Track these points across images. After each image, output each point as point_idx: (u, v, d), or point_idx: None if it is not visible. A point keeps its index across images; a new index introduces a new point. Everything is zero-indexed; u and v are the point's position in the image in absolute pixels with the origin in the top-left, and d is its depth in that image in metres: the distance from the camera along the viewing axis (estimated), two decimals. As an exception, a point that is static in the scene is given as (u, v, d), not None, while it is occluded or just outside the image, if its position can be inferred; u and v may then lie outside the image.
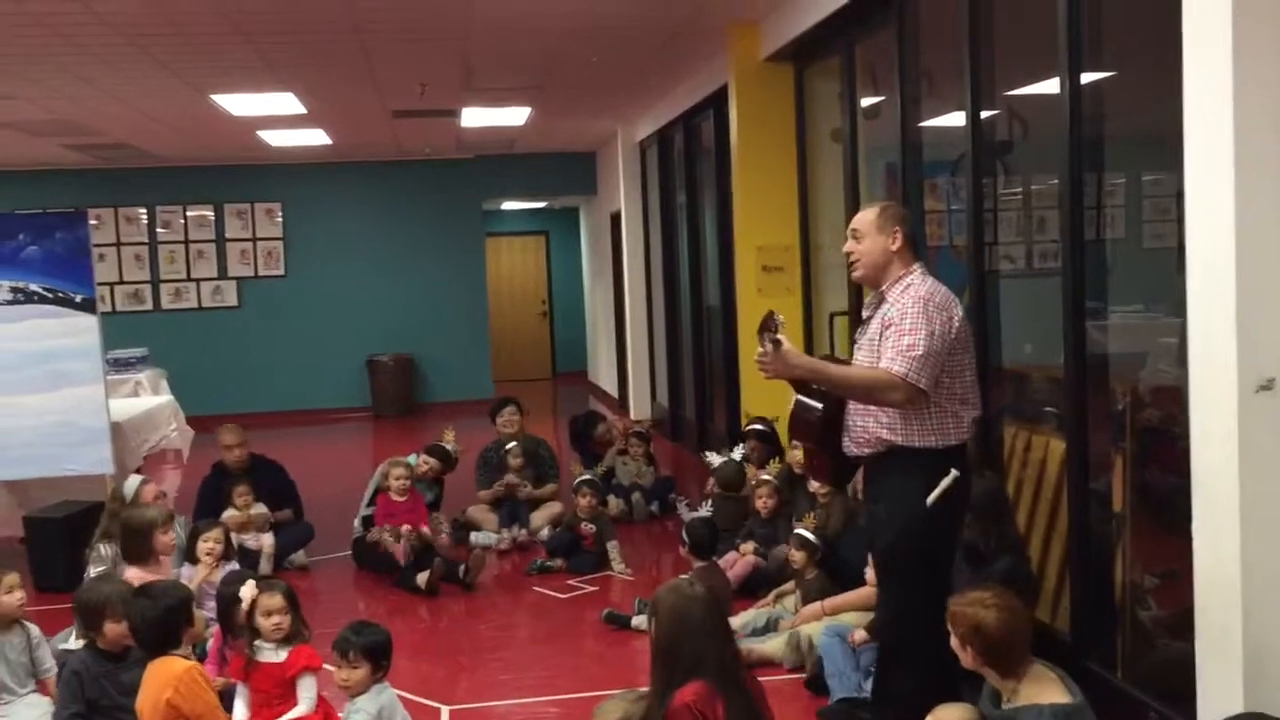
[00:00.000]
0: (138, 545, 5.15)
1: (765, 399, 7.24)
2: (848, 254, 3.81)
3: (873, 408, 3.65)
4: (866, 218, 3.77)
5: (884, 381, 3.54)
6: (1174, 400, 4.22)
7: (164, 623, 3.84)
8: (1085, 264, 4.37)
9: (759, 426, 6.92)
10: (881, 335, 3.64)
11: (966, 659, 3.07)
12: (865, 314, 3.86)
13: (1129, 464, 4.36)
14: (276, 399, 13.61)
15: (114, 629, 4.16)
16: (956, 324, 3.61)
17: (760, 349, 3.53)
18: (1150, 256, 5.04)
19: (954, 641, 3.10)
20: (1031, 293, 5.40)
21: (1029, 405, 5.30)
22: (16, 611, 4.58)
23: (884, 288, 3.72)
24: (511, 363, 16.57)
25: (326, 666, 4.23)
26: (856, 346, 3.84)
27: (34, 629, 4.69)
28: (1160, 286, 4.56)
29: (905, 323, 3.57)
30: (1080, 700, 2.96)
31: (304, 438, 12.25)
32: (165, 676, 3.73)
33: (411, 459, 7.28)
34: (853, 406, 3.74)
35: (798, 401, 3.81)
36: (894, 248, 3.70)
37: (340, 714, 4.00)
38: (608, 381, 14.78)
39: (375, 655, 3.87)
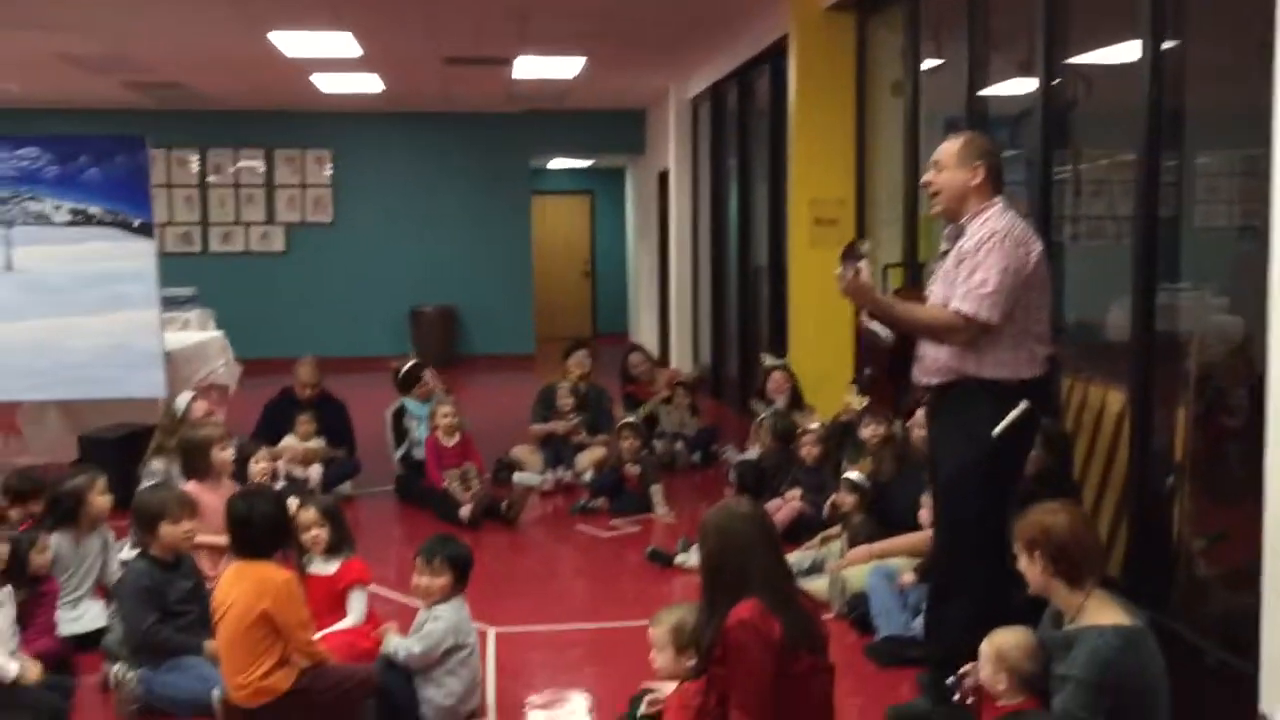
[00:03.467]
0: (197, 461, 5.22)
1: (814, 348, 7.25)
2: (926, 184, 3.78)
3: None
4: (950, 149, 3.73)
5: (947, 323, 3.60)
6: (1233, 373, 4.20)
7: (266, 526, 3.78)
8: (1157, 236, 4.29)
9: (776, 362, 6.98)
10: (956, 267, 3.63)
11: (1034, 573, 3.03)
12: (943, 247, 3.84)
13: (1190, 431, 4.32)
14: (319, 345, 13.48)
15: (170, 531, 4.22)
16: (1034, 259, 3.60)
17: (840, 270, 3.58)
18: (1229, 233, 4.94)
19: (1021, 560, 3.07)
20: (1096, 264, 5.31)
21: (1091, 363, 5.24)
22: (105, 514, 4.69)
23: (963, 221, 3.70)
24: (553, 321, 16.56)
25: (377, 588, 4.27)
26: (932, 279, 3.83)
27: (110, 535, 4.79)
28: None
29: (979, 255, 3.57)
30: (1144, 624, 2.93)
31: (346, 384, 12.27)
32: (263, 585, 3.67)
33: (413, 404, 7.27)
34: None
35: (867, 331, 3.81)
36: (975, 183, 3.67)
37: (416, 620, 3.99)
38: (649, 342, 14.75)
39: (459, 566, 3.89)
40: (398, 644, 3.87)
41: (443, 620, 3.83)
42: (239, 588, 3.71)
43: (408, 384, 7.41)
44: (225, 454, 5.25)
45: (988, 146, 3.77)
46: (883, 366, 3.92)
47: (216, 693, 3.77)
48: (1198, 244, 4.55)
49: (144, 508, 4.32)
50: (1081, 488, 4.80)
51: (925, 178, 3.81)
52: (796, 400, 7.17)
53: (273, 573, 3.75)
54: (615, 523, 6.53)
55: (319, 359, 7.61)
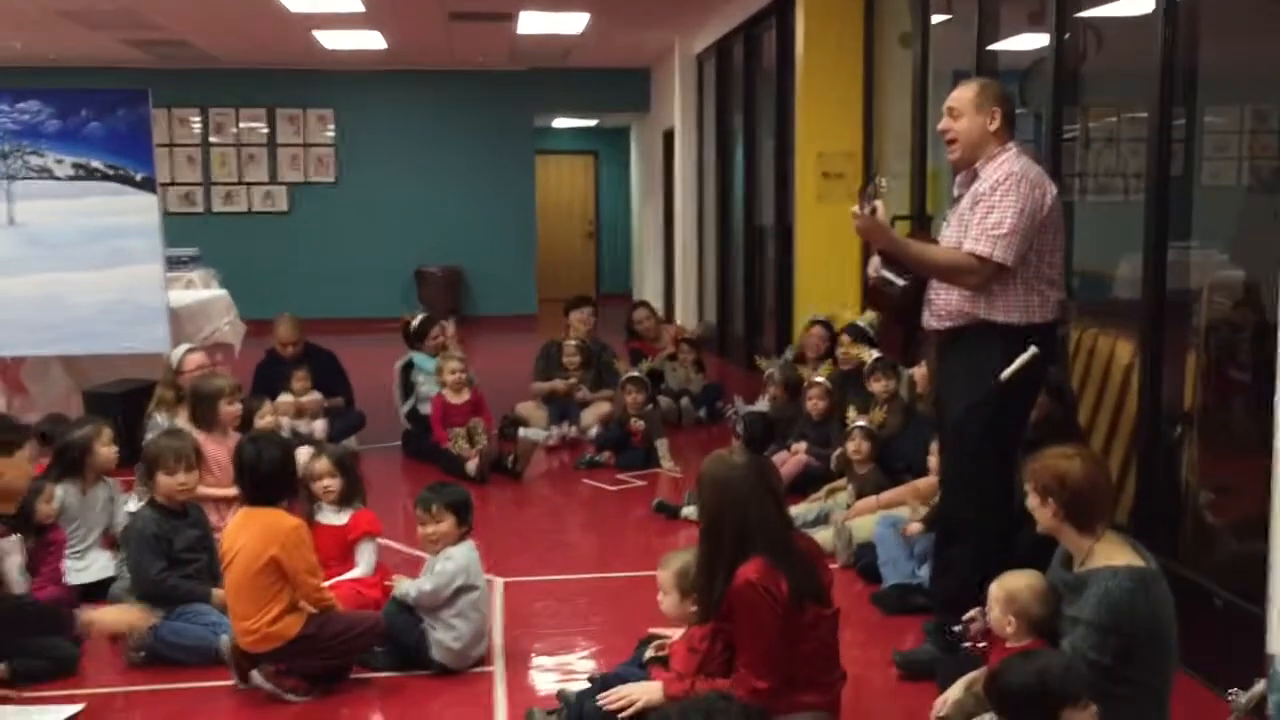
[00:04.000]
0: (204, 412, 5.22)
1: (820, 302, 7.21)
2: (943, 131, 3.75)
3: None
4: (965, 95, 3.69)
5: (961, 265, 3.57)
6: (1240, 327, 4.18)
7: (274, 472, 3.78)
8: (1169, 192, 4.24)
9: (822, 318, 6.93)
10: (971, 209, 3.61)
11: (1045, 516, 3.01)
12: (956, 192, 3.81)
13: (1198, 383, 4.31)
14: (324, 305, 13.61)
15: (165, 481, 4.21)
16: (1049, 202, 3.58)
17: (857, 208, 3.57)
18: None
19: (1031, 500, 3.04)
20: (1105, 220, 5.26)
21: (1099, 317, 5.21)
22: (110, 464, 4.70)
23: (978, 165, 3.68)
24: (556, 282, 16.50)
25: (385, 541, 4.27)
26: (945, 222, 3.81)
27: (116, 486, 4.80)
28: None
29: (995, 196, 3.54)
30: (1155, 566, 2.91)
31: (351, 344, 12.27)
32: (272, 531, 3.67)
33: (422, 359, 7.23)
34: (935, 280, 3.72)
35: (879, 275, 3.78)
36: (992, 128, 3.65)
37: (426, 564, 4.00)
38: (654, 302, 14.66)
39: (458, 509, 3.89)
40: (408, 585, 3.90)
41: (453, 561, 3.85)
42: (247, 533, 3.71)
43: (419, 338, 7.38)
44: (232, 408, 5.24)
45: (1002, 91, 3.74)
46: (892, 313, 3.89)
47: (225, 638, 3.78)
48: (1206, 201, 4.52)
49: (146, 454, 4.33)
50: (1089, 436, 4.79)
51: (941, 125, 3.76)
52: (829, 356, 6.90)
53: (281, 519, 3.75)
54: (621, 476, 6.53)
55: (296, 317, 7.40)
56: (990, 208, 3.53)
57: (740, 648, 3.08)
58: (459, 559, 3.85)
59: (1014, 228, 3.49)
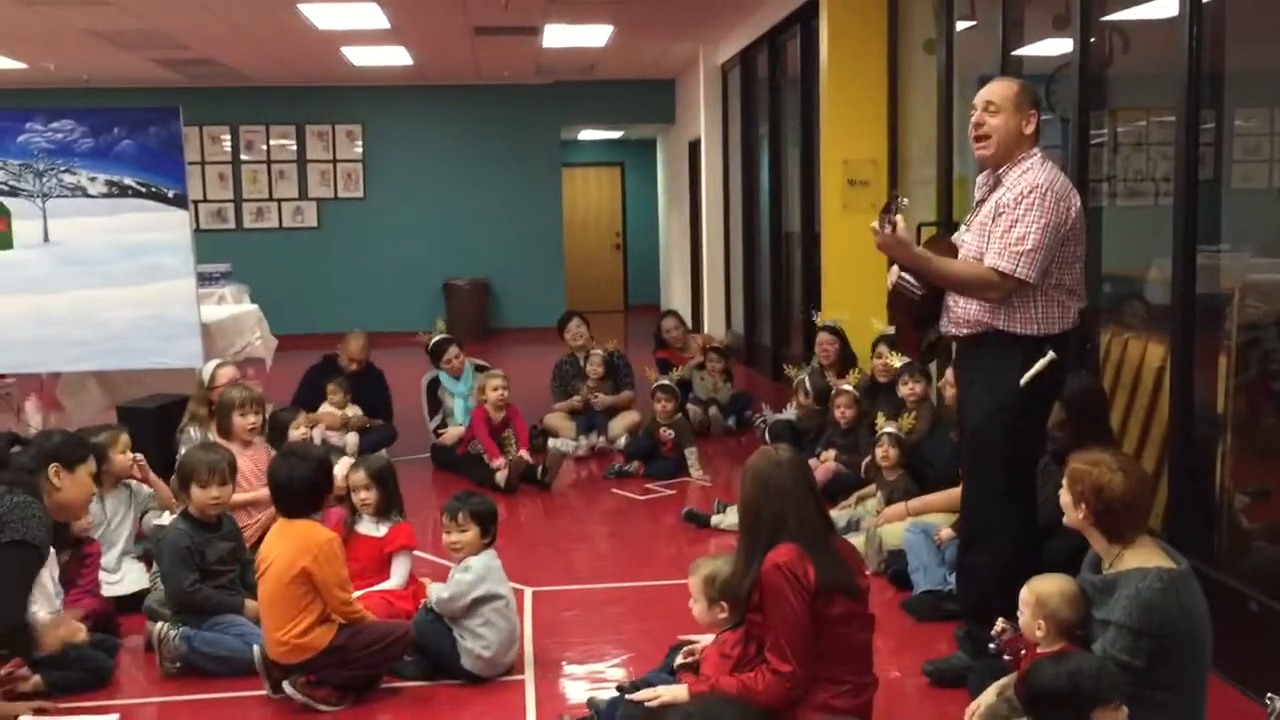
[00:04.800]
0: (223, 421, 5.29)
1: (847, 310, 7.19)
2: (977, 125, 3.65)
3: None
4: (1005, 92, 3.61)
5: (983, 280, 3.55)
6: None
7: (307, 484, 3.80)
8: (1198, 196, 4.18)
9: (830, 324, 6.92)
10: (993, 220, 3.57)
11: (1075, 516, 2.99)
12: (978, 195, 3.78)
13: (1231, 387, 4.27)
14: (353, 320, 13.53)
15: (197, 495, 4.25)
16: (1073, 215, 3.54)
17: (877, 224, 3.55)
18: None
19: (1065, 496, 3.02)
20: (1133, 224, 5.22)
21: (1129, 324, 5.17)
22: (127, 471, 4.75)
23: (1002, 170, 3.64)
24: (584, 293, 16.57)
25: (418, 552, 4.30)
26: (965, 228, 3.78)
27: (138, 487, 4.86)
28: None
29: (1019, 210, 3.49)
30: (1186, 567, 2.88)
31: (380, 357, 12.34)
32: (306, 544, 3.70)
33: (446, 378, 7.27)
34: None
35: (900, 279, 3.76)
36: (1028, 130, 3.61)
37: (450, 573, 4.02)
38: (682, 312, 14.68)
39: (483, 520, 3.92)
40: (433, 589, 3.98)
41: (472, 571, 3.88)
42: (281, 544, 3.75)
43: (435, 357, 7.45)
44: (244, 420, 5.27)
45: (1038, 95, 3.70)
46: (911, 317, 3.87)
47: (257, 649, 3.81)
48: (1236, 204, 4.48)
49: (181, 466, 4.38)
50: (1120, 441, 4.75)
51: (976, 118, 3.67)
52: (847, 362, 6.96)
53: (314, 531, 3.79)
54: (650, 486, 6.53)
55: (366, 334, 7.63)
56: (1014, 221, 3.48)
57: (767, 633, 3.11)
58: (477, 568, 3.88)
59: (1038, 244, 3.45)
